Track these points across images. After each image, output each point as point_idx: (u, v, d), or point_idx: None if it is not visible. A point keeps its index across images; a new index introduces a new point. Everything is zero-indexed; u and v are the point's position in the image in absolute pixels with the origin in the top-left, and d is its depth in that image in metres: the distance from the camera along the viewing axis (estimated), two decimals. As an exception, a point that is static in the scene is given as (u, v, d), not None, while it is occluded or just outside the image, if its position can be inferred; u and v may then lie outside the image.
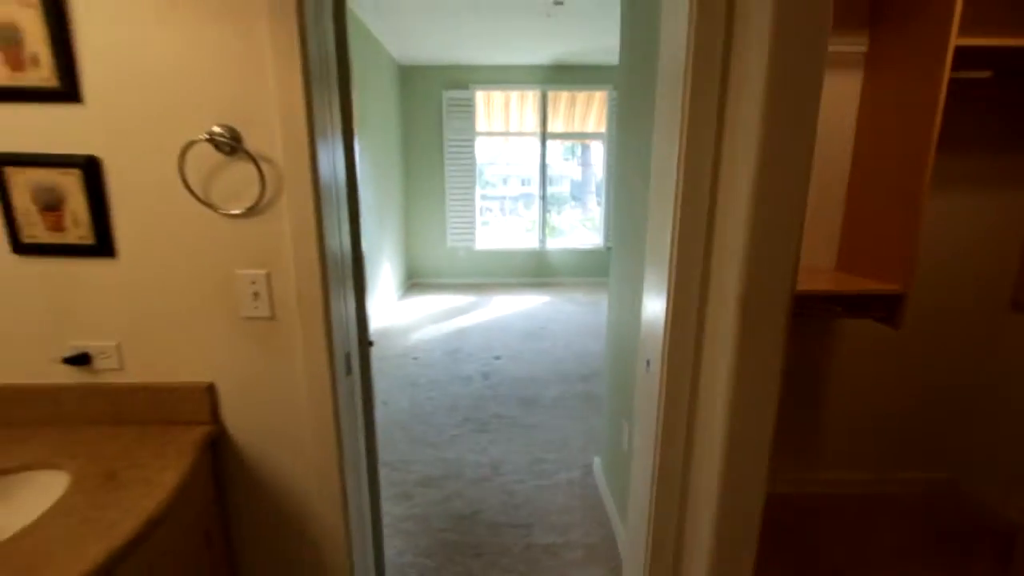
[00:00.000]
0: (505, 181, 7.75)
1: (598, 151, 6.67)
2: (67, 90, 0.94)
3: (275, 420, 1.12)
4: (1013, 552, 1.45)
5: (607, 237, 6.02)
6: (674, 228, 0.98)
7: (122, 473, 0.92)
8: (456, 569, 1.68)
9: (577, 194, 7.82)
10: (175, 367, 1.09)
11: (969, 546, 1.75)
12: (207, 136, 0.95)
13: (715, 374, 0.99)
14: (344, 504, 1.17)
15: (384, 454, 2.31)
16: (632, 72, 1.69)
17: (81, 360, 1.07)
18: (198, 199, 0.98)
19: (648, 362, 1.13)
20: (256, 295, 1.04)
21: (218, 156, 0.98)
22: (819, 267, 1.86)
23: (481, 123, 5.89)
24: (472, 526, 1.89)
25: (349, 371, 1.20)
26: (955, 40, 1.39)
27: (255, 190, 0.98)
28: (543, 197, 6.11)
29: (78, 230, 1.01)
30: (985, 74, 1.56)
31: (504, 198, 7.73)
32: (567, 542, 1.81)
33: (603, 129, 5.95)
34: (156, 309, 1.06)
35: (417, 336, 4.21)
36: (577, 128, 6.03)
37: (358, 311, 1.28)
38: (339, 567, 1.21)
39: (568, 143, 7.09)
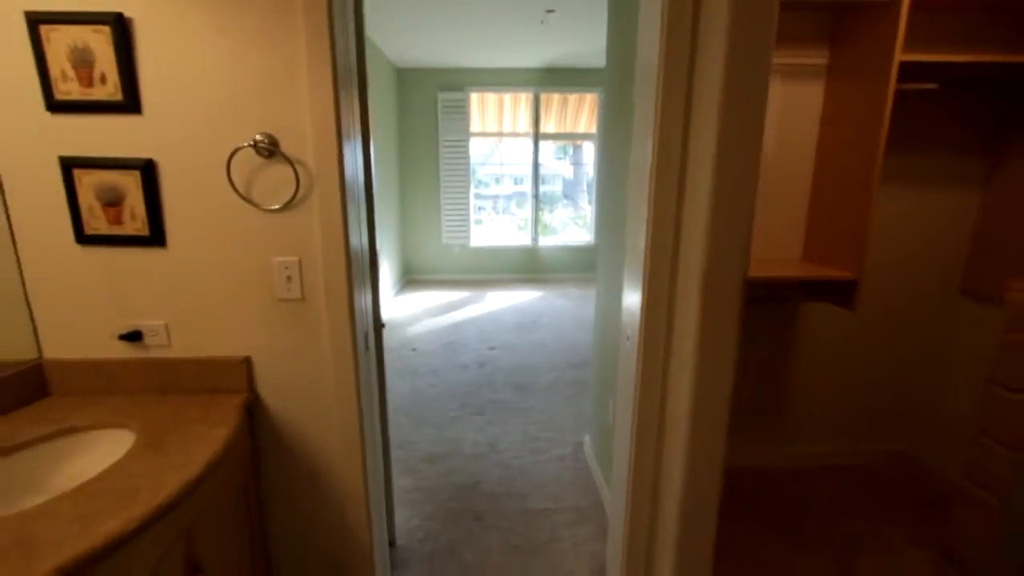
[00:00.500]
0: (499, 180, 7.93)
1: (589, 151, 6.85)
2: (129, 103, 1.10)
3: (303, 388, 1.29)
4: (952, 511, 1.65)
5: (598, 234, 6.20)
6: (649, 215, 1.14)
7: (179, 428, 1.08)
8: (459, 531, 1.86)
9: (569, 193, 8.00)
10: (216, 343, 1.25)
11: (918, 508, 1.96)
12: (250, 143, 1.11)
13: (683, 344, 1.16)
14: (364, 465, 1.34)
15: (389, 435, 2.47)
16: (617, 76, 1.85)
17: (134, 337, 1.23)
18: (241, 196, 1.15)
19: (628, 337, 1.31)
20: (289, 279, 1.21)
21: (258, 159, 1.14)
22: (787, 258, 2.05)
23: (475, 124, 6.04)
24: (472, 495, 2.07)
25: (368, 347, 1.37)
26: (899, 56, 1.58)
27: (291, 188, 1.15)
28: (536, 196, 6.28)
29: (135, 223, 1.16)
30: (931, 86, 1.75)
31: (498, 197, 7.90)
32: (559, 507, 1.99)
33: (594, 129, 6.13)
34: (201, 292, 1.22)
35: (415, 329, 4.37)
36: (569, 129, 6.21)
37: (373, 297, 1.45)
38: (359, 524, 1.38)
39: (560, 143, 7.27)
